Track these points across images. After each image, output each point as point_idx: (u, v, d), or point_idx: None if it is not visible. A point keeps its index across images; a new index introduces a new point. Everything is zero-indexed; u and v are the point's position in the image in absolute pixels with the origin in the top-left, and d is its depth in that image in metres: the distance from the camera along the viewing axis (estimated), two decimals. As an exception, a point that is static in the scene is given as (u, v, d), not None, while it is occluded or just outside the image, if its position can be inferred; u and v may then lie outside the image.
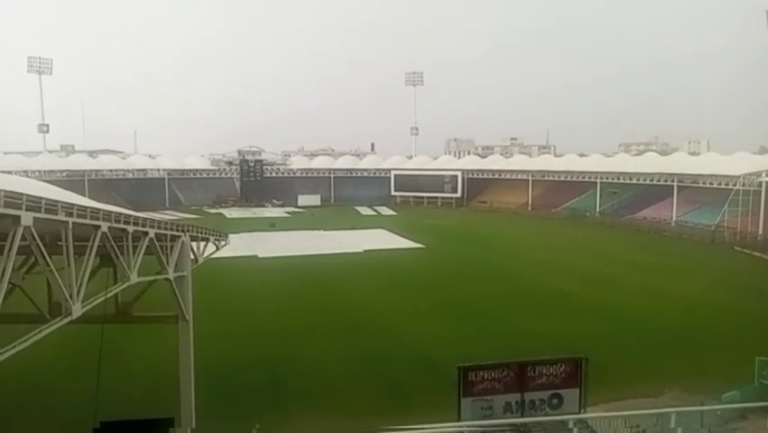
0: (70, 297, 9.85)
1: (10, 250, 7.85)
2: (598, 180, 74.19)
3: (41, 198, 8.64)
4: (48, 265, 9.38)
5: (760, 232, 51.21)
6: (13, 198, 7.83)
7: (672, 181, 65.36)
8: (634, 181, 71.56)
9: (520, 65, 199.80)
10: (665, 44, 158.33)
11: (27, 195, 8.17)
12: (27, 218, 8.06)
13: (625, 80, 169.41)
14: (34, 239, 8.60)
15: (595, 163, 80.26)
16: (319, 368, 21.28)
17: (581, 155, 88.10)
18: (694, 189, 63.98)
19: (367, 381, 20.30)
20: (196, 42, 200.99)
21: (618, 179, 73.17)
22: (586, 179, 76.80)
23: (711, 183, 61.57)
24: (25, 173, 66.05)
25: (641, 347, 23.34)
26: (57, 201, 9.20)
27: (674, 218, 62.52)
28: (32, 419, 16.66)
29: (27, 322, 10.01)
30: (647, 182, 69.86)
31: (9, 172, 42.65)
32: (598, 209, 72.21)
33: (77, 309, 10.14)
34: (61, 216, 9.27)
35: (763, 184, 53.13)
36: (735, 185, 55.43)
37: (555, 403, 15.94)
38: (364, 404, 17.92)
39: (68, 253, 9.68)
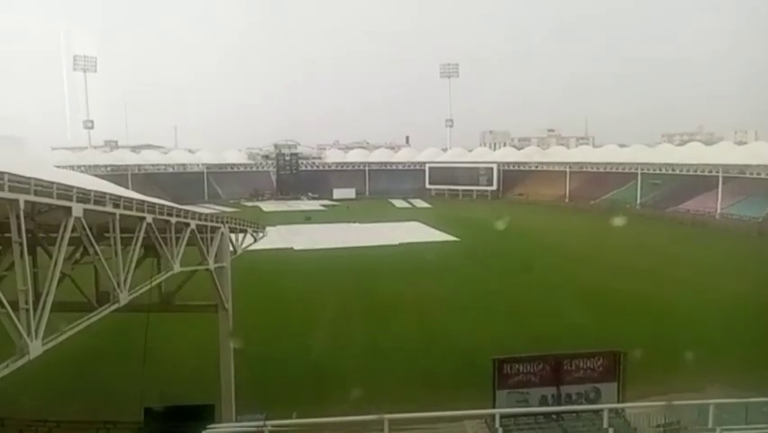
0: (118, 285, 10.26)
1: (62, 239, 8.24)
2: (639, 171, 72.37)
3: (91, 190, 9.03)
4: (97, 254, 9.79)
5: (811, 224, 49.20)
6: (65, 191, 8.21)
7: (717, 172, 63.18)
8: (677, 172, 69.47)
9: (557, 56, 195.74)
10: (708, 34, 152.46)
11: (77, 187, 8.55)
12: (78, 210, 8.45)
13: (666, 70, 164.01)
14: (84, 229, 8.99)
15: (636, 154, 78.06)
16: (355, 357, 21.52)
17: (622, 146, 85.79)
18: (740, 180, 61.77)
19: (402, 371, 20.43)
20: (234, 40, 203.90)
21: (660, 170, 71.25)
22: (626, 171, 75.01)
23: (759, 173, 59.33)
24: (72, 168, 68.47)
25: (679, 342, 22.75)
26: (105, 193, 9.59)
27: (719, 210, 60.48)
28: (80, 403, 17.36)
29: (77, 310, 10.48)
30: (691, 173, 67.72)
31: (57, 167, 44.29)
32: (638, 201, 70.47)
33: (124, 297, 10.57)
34: (109, 208, 9.67)
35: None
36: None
37: (593, 397, 15.76)
38: (396, 394, 18.00)
39: (115, 243, 10.09)
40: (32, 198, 7.49)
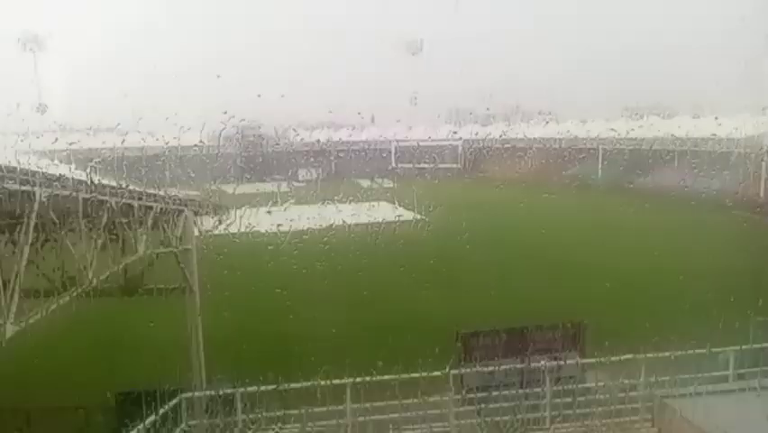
0: (84, 268, 10.21)
1: (27, 225, 8.16)
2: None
3: (54, 174, 8.92)
4: (66, 237, 9.72)
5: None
6: (29, 175, 8.10)
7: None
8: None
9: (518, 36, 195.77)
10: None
11: (42, 172, 8.44)
12: (42, 194, 8.34)
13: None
14: (49, 215, 8.90)
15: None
16: (327, 339, 21.65)
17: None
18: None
19: (373, 350, 20.68)
20: (192, 12, 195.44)
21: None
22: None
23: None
24: None
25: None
26: (68, 178, 9.48)
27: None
28: (49, 389, 17.15)
29: (43, 296, 10.38)
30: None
31: None
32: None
33: (90, 282, 10.52)
34: (72, 192, 9.56)
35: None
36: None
37: (555, 367, 16.43)
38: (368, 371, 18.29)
39: (79, 227, 10.01)
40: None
